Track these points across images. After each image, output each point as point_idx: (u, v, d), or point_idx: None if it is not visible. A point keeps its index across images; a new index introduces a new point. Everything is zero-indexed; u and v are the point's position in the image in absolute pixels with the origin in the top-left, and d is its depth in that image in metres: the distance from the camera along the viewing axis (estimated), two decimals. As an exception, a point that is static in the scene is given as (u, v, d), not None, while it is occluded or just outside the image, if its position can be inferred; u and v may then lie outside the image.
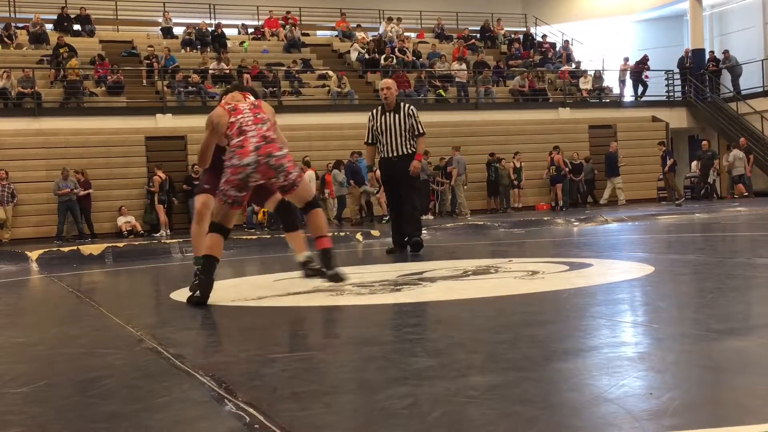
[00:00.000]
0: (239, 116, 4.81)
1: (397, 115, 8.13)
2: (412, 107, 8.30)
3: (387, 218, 17.42)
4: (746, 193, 20.38)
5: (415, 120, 8.16)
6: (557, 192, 19.87)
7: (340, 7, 26.68)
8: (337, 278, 5.00)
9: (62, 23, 22.20)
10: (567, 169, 19.86)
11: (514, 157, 20.03)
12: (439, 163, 18.68)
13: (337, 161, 17.73)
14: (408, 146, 8.14)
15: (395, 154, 8.12)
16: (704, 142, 21.62)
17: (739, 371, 2.36)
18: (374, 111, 8.35)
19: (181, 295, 5.27)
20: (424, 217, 14.58)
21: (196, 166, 17.41)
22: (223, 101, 5.02)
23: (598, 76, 24.64)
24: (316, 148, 18.79)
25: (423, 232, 8.69)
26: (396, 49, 23.42)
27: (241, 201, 4.81)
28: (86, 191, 16.48)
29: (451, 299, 4.36)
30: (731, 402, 2.06)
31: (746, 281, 4.49)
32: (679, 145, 23.61)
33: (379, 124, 8.17)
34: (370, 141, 8.33)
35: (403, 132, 8.10)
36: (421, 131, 8.20)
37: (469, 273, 5.64)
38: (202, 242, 5.07)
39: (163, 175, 16.80)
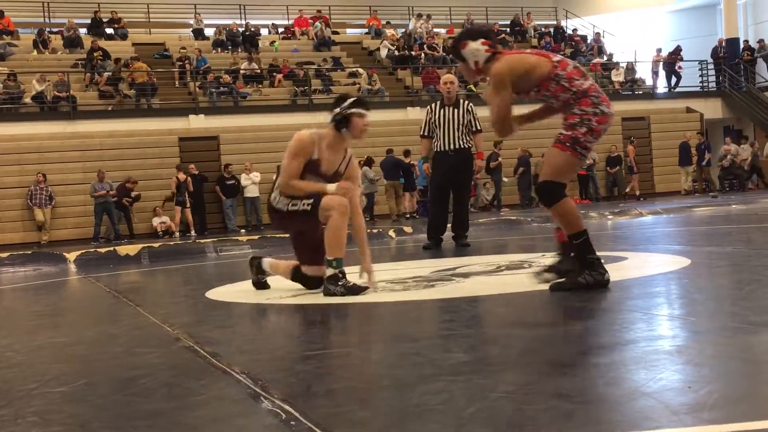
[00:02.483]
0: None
1: (456, 110, 8.20)
2: (471, 104, 8.40)
3: (409, 215, 17.46)
4: None
5: (474, 116, 8.26)
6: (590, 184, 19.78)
7: (370, 5, 26.69)
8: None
9: (95, 27, 22.50)
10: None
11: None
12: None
13: (368, 158, 17.77)
14: (464, 141, 8.22)
15: (452, 147, 8.18)
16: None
17: (779, 364, 2.33)
18: (433, 105, 8.46)
19: (217, 293, 5.31)
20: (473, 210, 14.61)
21: (230, 167, 17.57)
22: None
23: (630, 68, 24.38)
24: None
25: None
26: (425, 46, 23.37)
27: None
28: (133, 198, 16.63)
29: (484, 294, 4.34)
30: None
31: (785, 273, 4.42)
32: (714, 136, 23.28)
33: (437, 117, 8.23)
34: (426, 134, 8.38)
35: (460, 126, 8.18)
36: (479, 128, 8.30)
37: (503, 268, 5.61)
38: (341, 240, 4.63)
39: (182, 176, 16.82)
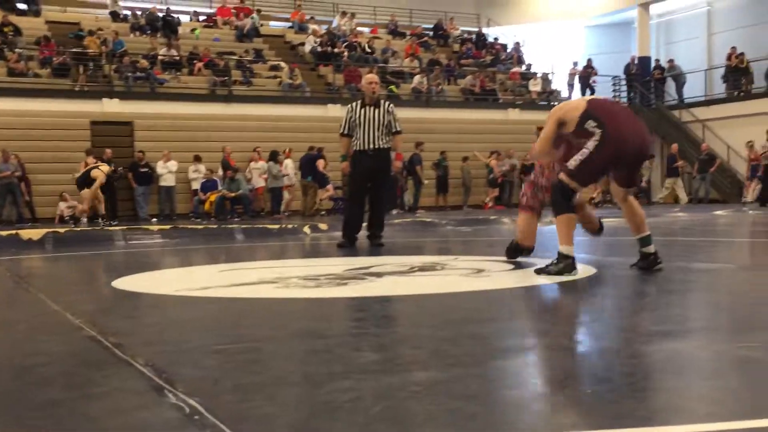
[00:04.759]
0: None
1: (377, 110, 8.24)
2: (391, 105, 8.48)
3: (324, 212, 17.49)
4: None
5: (394, 117, 8.33)
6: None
7: (294, -1, 26.56)
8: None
9: (6, 1, 21.62)
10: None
11: (489, 156, 20.37)
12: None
13: (272, 152, 17.70)
14: (384, 141, 8.27)
15: (371, 147, 8.20)
16: (704, 144, 21.86)
17: (675, 373, 2.42)
18: (354, 104, 8.48)
19: (124, 283, 5.18)
20: (393, 212, 14.71)
21: (144, 154, 17.17)
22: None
23: (546, 79, 24.95)
24: (266, 139, 18.69)
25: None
26: (345, 45, 23.36)
27: None
28: (17, 174, 16.06)
29: (396, 295, 4.38)
30: (668, 403, 2.10)
31: (685, 285, 4.60)
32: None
33: (358, 116, 8.24)
34: (346, 132, 8.38)
35: (380, 126, 8.23)
36: (399, 129, 8.41)
37: (416, 269, 5.66)
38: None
39: (91, 161, 16.26)
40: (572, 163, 4.87)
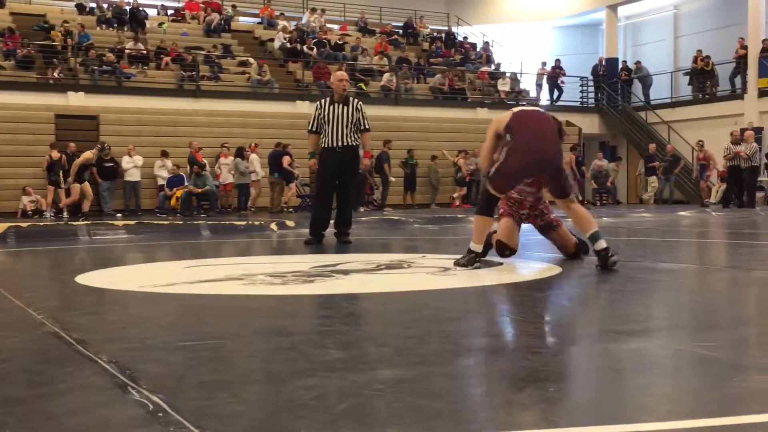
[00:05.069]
0: None
1: (345, 108, 8.23)
2: (360, 103, 8.48)
3: (292, 209, 17.44)
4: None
5: (362, 115, 8.32)
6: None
7: (264, -6, 26.44)
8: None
9: (-30, -8, 21.30)
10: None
11: (457, 155, 20.42)
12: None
13: (238, 149, 17.62)
14: (353, 138, 8.27)
15: (340, 144, 8.20)
16: (669, 146, 22.09)
17: (637, 371, 2.45)
18: (322, 101, 8.47)
19: (88, 278, 5.13)
20: (361, 210, 14.70)
21: (109, 148, 17.00)
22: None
23: (515, 79, 25.10)
24: (234, 135, 18.59)
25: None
26: (315, 41, 23.30)
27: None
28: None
29: (363, 292, 4.38)
30: (629, 401, 2.13)
31: (648, 285, 4.66)
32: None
33: (326, 113, 8.23)
34: (314, 129, 8.36)
35: (349, 124, 8.23)
36: (367, 127, 8.41)
37: (383, 267, 5.67)
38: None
39: (57, 155, 16.09)
40: (492, 170, 5.37)
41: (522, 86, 25.53)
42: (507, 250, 5.79)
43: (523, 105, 5.97)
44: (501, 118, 5.55)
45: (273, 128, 18.94)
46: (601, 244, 5.18)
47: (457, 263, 5.36)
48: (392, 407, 2.03)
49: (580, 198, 18.80)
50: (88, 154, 14.83)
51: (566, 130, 6.15)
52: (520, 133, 5.26)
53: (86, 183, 15.15)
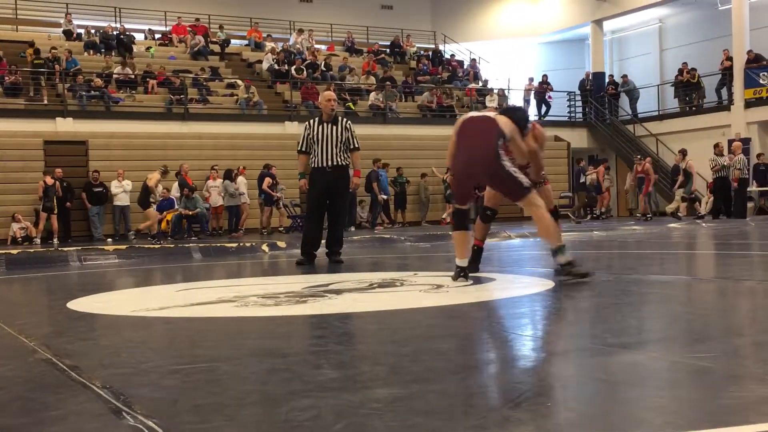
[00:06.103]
0: None
1: (334, 127, 8.25)
2: (349, 122, 8.49)
3: (284, 229, 17.41)
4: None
5: (352, 134, 8.33)
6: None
7: (251, 17, 26.51)
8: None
9: (-43, 19, 21.30)
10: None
11: (447, 172, 20.42)
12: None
13: (227, 171, 17.60)
14: (342, 158, 8.28)
15: (330, 164, 8.19)
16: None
17: (632, 384, 2.45)
18: (311, 121, 8.49)
19: (79, 304, 5.10)
20: (352, 229, 14.69)
21: (98, 173, 16.98)
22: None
23: (503, 95, 25.22)
24: (224, 158, 18.58)
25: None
26: (305, 63, 23.38)
27: None
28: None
29: (356, 312, 4.37)
30: (626, 413, 2.13)
31: (640, 297, 4.67)
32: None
33: (315, 133, 8.24)
34: (303, 149, 8.37)
35: (338, 143, 8.24)
36: (357, 146, 8.43)
37: (375, 286, 5.66)
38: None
39: (50, 180, 16.10)
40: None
41: (510, 102, 25.63)
42: (488, 210, 6.10)
43: (477, 112, 5.93)
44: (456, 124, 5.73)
45: (262, 149, 18.94)
46: (566, 257, 5.33)
47: (452, 277, 5.54)
48: (389, 426, 2.02)
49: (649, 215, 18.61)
50: (156, 177, 15.37)
51: (540, 128, 6.06)
52: (458, 140, 5.45)
53: (151, 206, 15.63)
